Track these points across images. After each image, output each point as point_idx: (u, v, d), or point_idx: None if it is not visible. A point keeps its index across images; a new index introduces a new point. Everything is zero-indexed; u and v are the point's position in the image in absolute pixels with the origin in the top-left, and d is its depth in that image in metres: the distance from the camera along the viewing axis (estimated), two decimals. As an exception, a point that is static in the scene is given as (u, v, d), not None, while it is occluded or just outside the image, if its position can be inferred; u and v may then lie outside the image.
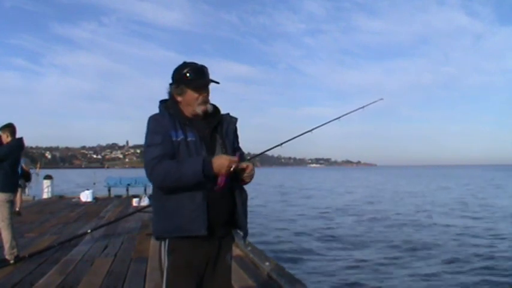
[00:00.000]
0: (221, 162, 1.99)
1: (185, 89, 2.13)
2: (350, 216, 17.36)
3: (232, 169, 2.00)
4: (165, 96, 2.24)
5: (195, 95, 2.13)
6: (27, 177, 12.79)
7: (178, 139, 2.07)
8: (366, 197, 27.19)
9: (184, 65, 2.16)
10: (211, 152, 2.12)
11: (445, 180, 56.08)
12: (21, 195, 12.52)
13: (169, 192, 2.04)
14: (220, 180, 2.01)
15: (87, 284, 4.37)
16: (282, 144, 4.56)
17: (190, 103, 2.14)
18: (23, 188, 12.68)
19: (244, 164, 2.06)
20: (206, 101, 2.16)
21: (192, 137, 2.09)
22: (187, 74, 2.12)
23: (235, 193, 2.14)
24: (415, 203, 23.10)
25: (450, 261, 9.03)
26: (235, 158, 2.03)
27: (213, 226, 2.05)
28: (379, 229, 13.64)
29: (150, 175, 2.04)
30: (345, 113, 4.72)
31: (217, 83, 2.17)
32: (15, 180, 5.57)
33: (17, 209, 11.88)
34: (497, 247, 10.55)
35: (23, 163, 12.75)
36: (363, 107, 4.80)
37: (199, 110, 2.15)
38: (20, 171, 13.03)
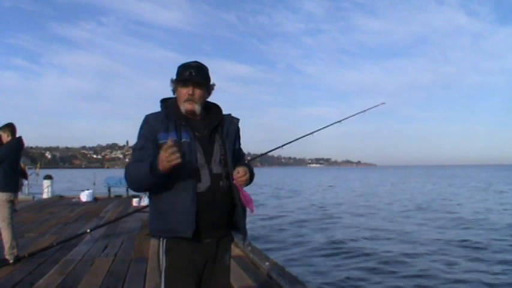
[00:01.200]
0: (160, 157, 1.89)
1: (175, 85, 2.15)
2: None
3: (176, 161, 1.88)
4: (165, 95, 2.24)
5: (182, 91, 2.12)
6: (24, 175, 12.82)
7: None
8: (333, 198, 26.73)
9: (185, 62, 2.18)
10: (209, 153, 2.11)
11: (438, 180, 56.10)
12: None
13: (159, 192, 2.06)
14: (247, 201, 2.09)
15: (87, 284, 4.38)
16: (283, 146, 4.57)
17: (180, 99, 2.14)
18: (20, 185, 12.70)
19: (239, 171, 2.08)
20: (192, 99, 2.11)
21: (186, 138, 2.07)
22: (178, 70, 2.15)
23: (235, 194, 2.13)
24: (378, 203, 23.10)
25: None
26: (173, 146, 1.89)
27: (208, 227, 2.05)
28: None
29: (124, 177, 2.10)
30: (346, 116, 4.72)
31: (203, 82, 2.13)
32: (16, 180, 5.56)
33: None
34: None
35: (21, 162, 12.81)
36: (364, 111, 4.80)
37: (183, 108, 2.12)
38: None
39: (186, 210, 2.00)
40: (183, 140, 2.06)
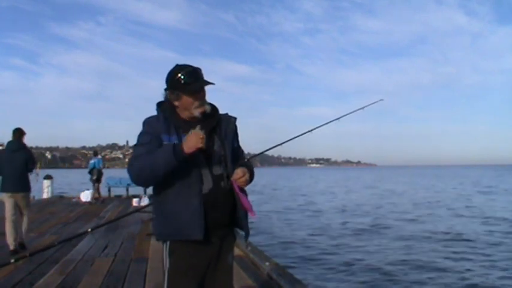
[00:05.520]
0: (189, 138, 1.96)
1: (181, 95, 2.07)
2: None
3: (202, 145, 1.96)
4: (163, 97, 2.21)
5: (191, 99, 2.08)
6: (99, 175, 14.29)
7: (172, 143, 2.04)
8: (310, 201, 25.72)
9: (177, 68, 2.09)
10: (209, 155, 2.10)
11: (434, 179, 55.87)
12: (98, 190, 14.48)
13: (163, 195, 2.06)
14: (246, 208, 2.10)
15: (87, 284, 4.38)
16: (282, 144, 4.54)
17: (187, 107, 2.10)
18: (98, 183, 14.42)
19: (237, 173, 2.07)
20: (203, 104, 2.12)
21: None
22: (182, 79, 2.05)
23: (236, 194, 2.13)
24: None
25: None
26: (202, 132, 1.98)
27: (212, 228, 2.06)
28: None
29: (128, 171, 2.05)
30: (344, 113, 4.71)
31: (212, 83, 2.10)
32: (17, 179, 5.58)
33: (89, 200, 13.62)
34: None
35: (101, 164, 14.53)
36: (363, 107, 4.79)
37: (197, 112, 2.11)
38: (99, 167, 13.97)
39: (193, 212, 2.01)
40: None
